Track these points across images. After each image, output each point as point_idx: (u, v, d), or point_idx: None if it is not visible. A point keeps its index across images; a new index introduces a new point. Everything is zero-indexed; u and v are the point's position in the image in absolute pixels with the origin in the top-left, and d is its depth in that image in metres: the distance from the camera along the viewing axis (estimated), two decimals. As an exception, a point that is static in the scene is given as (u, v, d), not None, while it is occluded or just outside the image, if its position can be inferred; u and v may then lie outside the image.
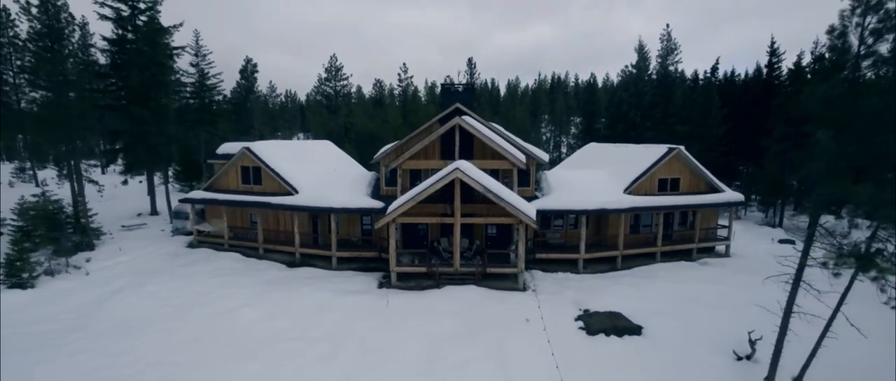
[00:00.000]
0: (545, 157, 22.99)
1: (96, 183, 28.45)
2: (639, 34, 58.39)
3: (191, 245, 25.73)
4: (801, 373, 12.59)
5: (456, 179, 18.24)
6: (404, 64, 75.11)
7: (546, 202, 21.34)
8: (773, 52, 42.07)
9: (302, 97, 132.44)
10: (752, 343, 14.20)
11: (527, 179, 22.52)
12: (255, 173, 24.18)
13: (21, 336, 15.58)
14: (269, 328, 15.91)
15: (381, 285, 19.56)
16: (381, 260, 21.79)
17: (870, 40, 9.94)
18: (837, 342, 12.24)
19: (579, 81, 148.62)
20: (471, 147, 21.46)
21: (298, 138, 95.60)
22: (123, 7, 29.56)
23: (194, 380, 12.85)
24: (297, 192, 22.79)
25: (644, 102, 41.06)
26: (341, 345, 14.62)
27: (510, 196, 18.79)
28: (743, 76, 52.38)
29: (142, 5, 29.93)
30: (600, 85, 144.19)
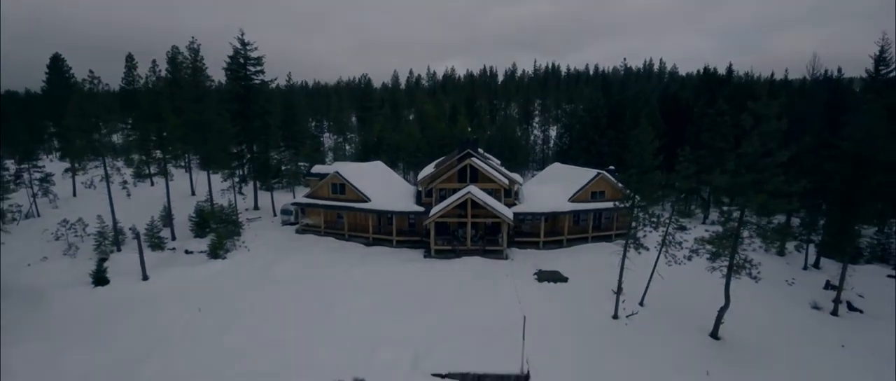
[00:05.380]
0: (521, 179, 35.24)
1: (242, 194, 40.60)
2: (596, 62, 69.61)
3: (298, 231, 38.08)
4: (643, 297, 25.42)
5: (468, 198, 30.59)
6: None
7: (519, 208, 33.60)
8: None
9: (306, 81, 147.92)
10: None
11: (510, 193, 34.72)
12: (341, 187, 36.33)
13: (240, 284, 27.99)
14: (370, 279, 28.27)
15: (425, 256, 31.93)
16: (422, 242, 34.25)
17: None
18: (661, 281, 25.07)
19: (571, 70, 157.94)
20: (476, 175, 33.54)
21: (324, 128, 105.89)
22: (241, 70, 41.36)
23: (348, 302, 25.27)
24: (369, 200, 35.03)
25: (601, 124, 52.87)
26: (412, 286, 27.02)
27: (499, 206, 31.13)
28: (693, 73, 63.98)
29: (251, 68, 41.72)
30: (592, 73, 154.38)
